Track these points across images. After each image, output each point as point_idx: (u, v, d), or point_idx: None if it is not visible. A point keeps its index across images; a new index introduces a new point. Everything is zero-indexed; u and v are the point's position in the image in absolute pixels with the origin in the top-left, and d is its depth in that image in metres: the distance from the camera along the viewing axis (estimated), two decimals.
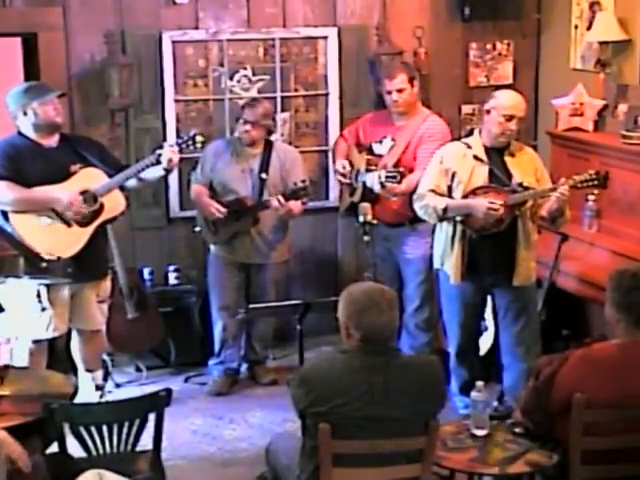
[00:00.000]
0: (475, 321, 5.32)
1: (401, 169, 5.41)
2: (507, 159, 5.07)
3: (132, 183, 5.21)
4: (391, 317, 3.59)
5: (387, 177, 5.35)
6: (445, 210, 5.02)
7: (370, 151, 5.81)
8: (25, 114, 5.00)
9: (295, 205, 5.63)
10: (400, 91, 5.65)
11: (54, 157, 5.05)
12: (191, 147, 5.30)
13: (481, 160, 5.03)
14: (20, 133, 5.06)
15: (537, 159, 5.20)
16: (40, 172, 4.98)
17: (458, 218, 5.02)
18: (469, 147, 5.10)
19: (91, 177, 5.08)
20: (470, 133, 5.38)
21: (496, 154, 5.07)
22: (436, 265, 5.29)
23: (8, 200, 4.96)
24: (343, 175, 5.80)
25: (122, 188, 5.19)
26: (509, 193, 4.94)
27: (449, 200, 5.05)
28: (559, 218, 4.98)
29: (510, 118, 4.99)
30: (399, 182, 5.33)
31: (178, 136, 5.42)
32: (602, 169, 5.01)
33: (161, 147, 5.17)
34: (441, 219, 5.09)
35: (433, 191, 5.09)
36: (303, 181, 5.58)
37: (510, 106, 5.01)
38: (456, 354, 5.36)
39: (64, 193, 4.98)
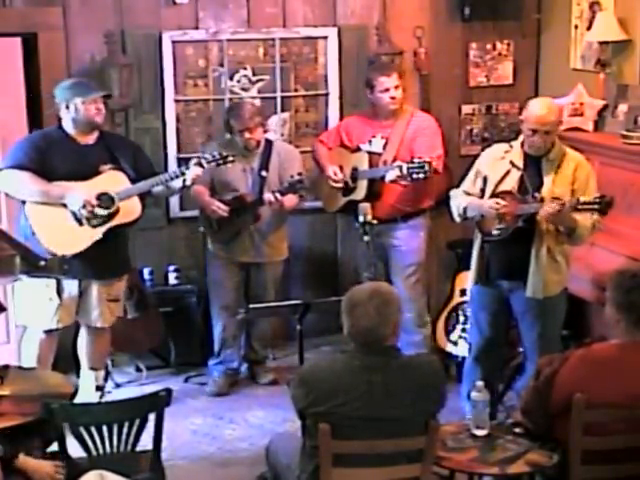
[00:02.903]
0: (493, 328, 5.13)
1: (427, 159, 5.40)
2: (544, 167, 4.88)
3: (158, 189, 5.26)
4: (378, 321, 3.57)
5: (411, 169, 5.34)
6: (465, 209, 5.01)
7: (359, 151, 5.84)
8: (67, 108, 5.09)
9: (289, 199, 5.65)
10: (397, 87, 5.72)
11: (87, 155, 5.13)
12: (222, 166, 5.39)
13: (516, 166, 4.92)
14: (60, 127, 5.16)
15: (582, 170, 4.88)
16: (68, 168, 5.07)
17: (477, 218, 4.97)
18: (510, 149, 4.97)
19: (114, 180, 5.13)
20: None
21: (534, 161, 4.89)
22: None
23: (26, 191, 5.05)
24: (336, 181, 5.82)
25: (142, 196, 5.22)
26: (521, 203, 4.82)
27: (470, 200, 5.01)
28: (572, 234, 4.81)
29: (533, 132, 4.78)
30: (427, 172, 5.34)
31: (209, 153, 5.43)
32: (608, 194, 4.71)
33: (187, 167, 5.22)
34: (463, 218, 5.05)
35: (465, 191, 5.08)
36: (299, 174, 5.60)
37: (533, 120, 4.77)
38: (471, 358, 5.28)
39: (81, 193, 5.02)
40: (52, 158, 5.07)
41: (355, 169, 5.81)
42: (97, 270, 5.18)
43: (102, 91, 5.21)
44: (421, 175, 5.35)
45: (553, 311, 5.00)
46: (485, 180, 5.00)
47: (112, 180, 5.12)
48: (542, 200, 4.78)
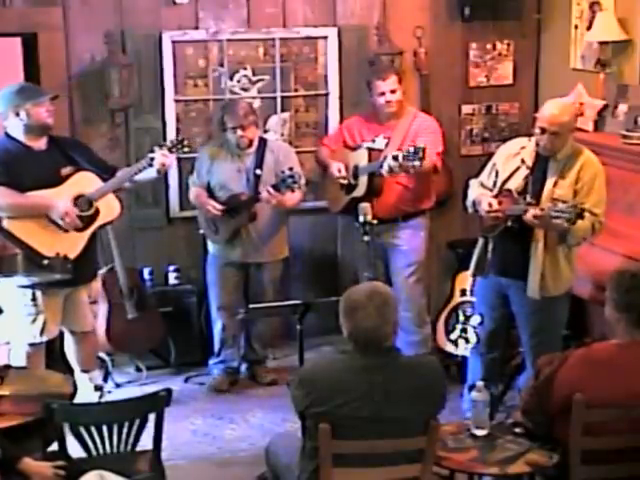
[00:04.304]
0: (493, 322, 5.13)
1: (421, 145, 5.37)
2: (550, 168, 4.84)
3: (125, 184, 5.21)
4: (380, 321, 3.57)
5: (406, 156, 5.31)
6: (474, 203, 5.02)
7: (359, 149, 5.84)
8: (17, 115, 4.96)
9: (290, 198, 5.63)
10: (393, 92, 5.72)
11: (44, 160, 5.02)
12: (179, 151, 5.33)
13: (526, 164, 4.89)
14: (8, 135, 5.02)
15: (587, 170, 4.79)
16: (32, 176, 4.95)
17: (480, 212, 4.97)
18: (527, 144, 4.93)
19: (85, 181, 5.08)
20: None
21: (543, 161, 4.86)
22: None
23: (3, 205, 4.93)
24: (340, 177, 5.82)
25: (115, 190, 5.18)
26: (514, 203, 4.82)
27: (478, 194, 5.01)
28: (564, 235, 4.77)
29: (542, 131, 4.75)
30: (422, 159, 5.31)
31: (168, 139, 5.46)
32: (579, 205, 4.52)
33: (153, 151, 5.18)
34: (474, 210, 5.04)
35: (481, 182, 5.08)
36: (290, 169, 5.55)
37: (541, 118, 4.76)
38: (474, 349, 5.26)
39: (59, 201, 4.96)
40: (16, 169, 4.94)
41: (356, 167, 5.82)
42: (79, 274, 5.10)
43: (49, 93, 5.07)
44: (417, 162, 5.30)
45: (548, 312, 4.97)
46: (497, 174, 5.00)
47: (84, 181, 5.07)
48: (535, 204, 4.74)
